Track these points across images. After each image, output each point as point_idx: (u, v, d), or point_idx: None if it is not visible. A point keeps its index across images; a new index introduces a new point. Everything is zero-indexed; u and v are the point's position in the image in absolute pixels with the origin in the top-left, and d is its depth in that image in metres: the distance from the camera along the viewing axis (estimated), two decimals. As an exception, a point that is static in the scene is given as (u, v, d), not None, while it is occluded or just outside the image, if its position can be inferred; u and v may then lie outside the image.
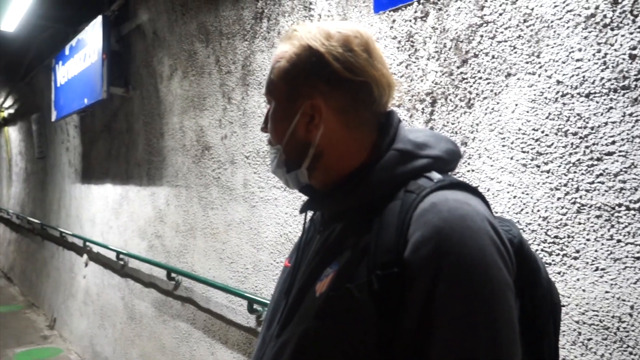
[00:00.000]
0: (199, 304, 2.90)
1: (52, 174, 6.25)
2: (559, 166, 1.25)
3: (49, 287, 6.29)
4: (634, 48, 1.11)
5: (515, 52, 1.35)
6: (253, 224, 2.46)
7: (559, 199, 1.24)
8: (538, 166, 1.29)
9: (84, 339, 4.85)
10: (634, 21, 1.12)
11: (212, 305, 2.77)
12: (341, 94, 0.80)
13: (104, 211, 4.50)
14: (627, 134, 1.12)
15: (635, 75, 1.11)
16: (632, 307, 1.11)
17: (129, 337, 3.84)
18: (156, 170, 3.49)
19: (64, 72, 4.67)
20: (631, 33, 1.12)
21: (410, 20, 1.63)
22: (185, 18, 2.99)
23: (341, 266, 0.74)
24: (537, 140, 1.30)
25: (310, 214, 0.96)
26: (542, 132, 1.28)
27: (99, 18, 3.74)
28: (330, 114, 0.81)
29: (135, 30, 3.64)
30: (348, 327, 0.69)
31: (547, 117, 1.27)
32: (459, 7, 1.48)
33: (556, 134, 1.25)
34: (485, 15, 1.42)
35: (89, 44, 3.97)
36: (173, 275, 3.14)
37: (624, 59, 1.13)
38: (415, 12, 1.61)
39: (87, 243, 4.74)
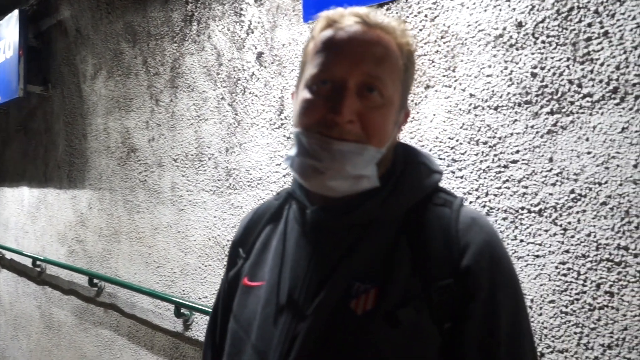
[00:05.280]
0: (123, 310, 2.82)
1: (-41, 176, 5.81)
2: (471, 172, 1.36)
3: (-46, 297, 5.83)
4: (535, 67, 1.24)
5: (434, 66, 1.45)
6: (181, 227, 2.43)
7: (471, 202, 1.35)
8: (453, 172, 1.40)
9: (-6, 352, 4.55)
10: (535, 43, 1.24)
11: (137, 310, 2.71)
12: None
13: (18, 215, 4.25)
14: (529, 144, 1.25)
15: (536, 91, 1.24)
16: (532, 301, 1.23)
17: (46, 347, 3.65)
18: (78, 173, 3.36)
19: (-25, 67, 4.37)
20: (533, 53, 1.24)
21: (337, 31, 1.70)
22: (111, 17, 2.91)
23: (386, 282, 0.71)
24: (452, 148, 1.40)
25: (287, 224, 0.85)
26: (457, 140, 1.39)
27: (15, 12, 3.55)
28: None
29: (56, 27, 3.49)
30: (416, 342, 0.69)
31: (461, 127, 1.38)
32: (383, 21, 1.56)
33: (469, 142, 1.36)
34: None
35: (4, 39, 3.75)
36: (95, 281, 3.03)
37: (526, 76, 1.26)
38: (343, 23, 1.68)
39: (-1, 249, 4.45)
